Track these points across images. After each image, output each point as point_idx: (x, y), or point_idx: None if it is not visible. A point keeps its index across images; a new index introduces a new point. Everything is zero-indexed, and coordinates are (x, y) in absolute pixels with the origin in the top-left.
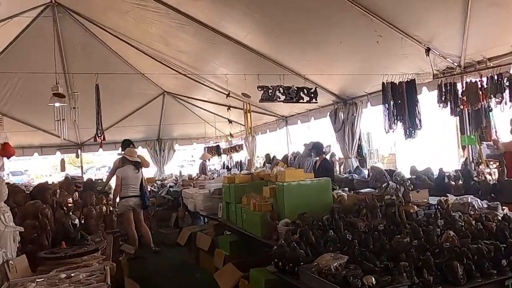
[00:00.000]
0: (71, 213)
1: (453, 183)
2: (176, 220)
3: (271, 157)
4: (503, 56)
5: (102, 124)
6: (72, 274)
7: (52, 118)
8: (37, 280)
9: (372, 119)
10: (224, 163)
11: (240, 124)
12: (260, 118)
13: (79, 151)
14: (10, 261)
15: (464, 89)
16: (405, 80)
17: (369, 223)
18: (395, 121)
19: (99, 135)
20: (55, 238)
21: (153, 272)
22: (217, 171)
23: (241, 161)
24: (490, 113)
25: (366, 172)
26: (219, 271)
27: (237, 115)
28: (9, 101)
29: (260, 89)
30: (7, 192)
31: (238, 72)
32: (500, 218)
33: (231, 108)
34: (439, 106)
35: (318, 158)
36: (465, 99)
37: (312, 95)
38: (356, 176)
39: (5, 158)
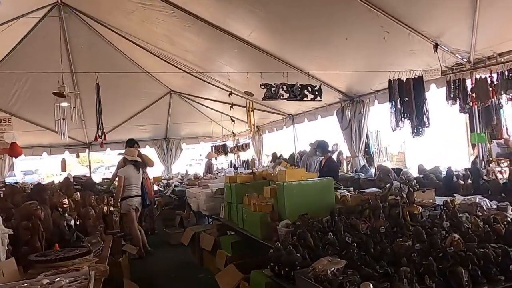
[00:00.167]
0: (66, 214)
1: (462, 182)
2: (181, 219)
3: (278, 156)
4: None
5: (103, 123)
6: (56, 280)
7: (71, 118)
8: (18, 286)
9: (380, 117)
10: (231, 162)
11: (246, 122)
12: (267, 117)
13: (87, 150)
14: None
15: (473, 85)
16: (413, 77)
17: (371, 224)
18: (402, 119)
19: (100, 134)
20: (51, 240)
21: (156, 273)
22: (224, 170)
23: (248, 160)
24: (501, 110)
25: (373, 171)
26: (221, 273)
27: (244, 113)
28: (18, 102)
29: (263, 87)
30: None
31: (244, 70)
32: (509, 219)
33: (237, 107)
34: (448, 103)
35: (323, 157)
36: (474, 96)
37: (317, 93)
38: (363, 175)
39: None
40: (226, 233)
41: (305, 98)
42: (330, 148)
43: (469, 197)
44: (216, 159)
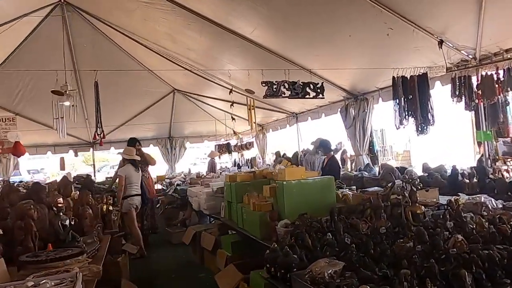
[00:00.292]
0: (61, 213)
1: (467, 181)
2: (184, 219)
3: (281, 154)
4: None
5: (107, 122)
6: (41, 282)
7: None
8: None
9: (384, 115)
10: (235, 160)
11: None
12: (271, 115)
13: (91, 149)
14: None
15: (479, 82)
16: (417, 74)
17: (372, 225)
18: (406, 116)
19: (99, 133)
20: (47, 240)
21: (157, 272)
22: (227, 168)
23: (251, 158)
24: (507, 107)
25: (377, 169)
26: (220, 273)
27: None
28: (22, 101)
29: (264, 84)
30: None
31: (246, 69)
32: None
33: (240, 105)
34: (453, 100)
35: (325, 156)
36: (480, 93)
37: (319, 91)
38: (366, 174)
39: (23, 157)
40: (227, 232)
41: (307, 96)
42: (334, 147)
43: (474, 196)
44: (219, 157)
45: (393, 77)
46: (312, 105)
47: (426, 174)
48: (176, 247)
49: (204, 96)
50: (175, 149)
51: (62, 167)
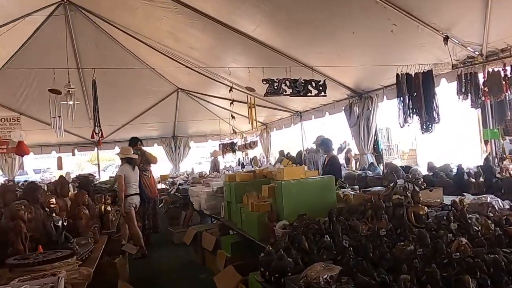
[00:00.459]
0: (54, 214)
1: (473, 180)
2: (186, 218)
3: (285, 153)
4: None
5: (110, 122)
6: (21, 287)
7: (68, 116)
8: None
9: (389, 113)
10: (239, 160)
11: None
12: (275, 114)
13: (95, 148)
14: None
15: (486, 79)
16: (422, 71)
17: (373, 226)
18: (411, 114)
19: (97, 132)
20: (39, 241)
21: (157, 272)
22: (232, 168)
23: (253, 157)
24: None
25: (381, 168)
26: (220, 274)
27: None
28: (26, 101)
29: (265, 82)
30: None
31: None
32: None
33: (243, 104)
34: (459, 98)
35: (326, 155)
36: (487, 90)
37: (321, 88)
38: (370, 173)
39: (28, 156)
40: (228, 233)
41: (309, 94)
42: (338, 146)
43: (479, 196)
44: (223, 157)
45: (397, 74)
46: (316, 104)
47: (431, 173)
48: (178, 247)
49: (207, 95)
50: (179, 148)
51: (60, 167)
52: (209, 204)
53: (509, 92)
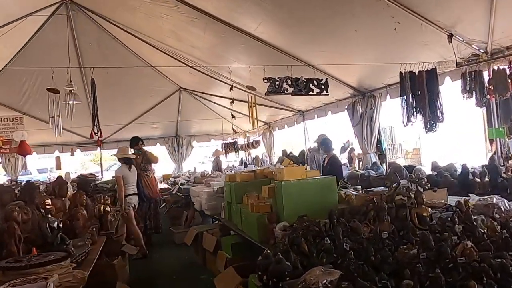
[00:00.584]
0: (50, 215)
1: (478, 180)
2: (187, 218)
3: (288, 153)
4: None
5: (113, 121)
6: None
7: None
8: None
9: (392, 112)
10: (242, 159)
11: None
12: (277, 114)
13: (98, 148)
14: None
15: (491, 77)
16: (425, 69)
17: (375, 228)
18: (415, 113)
19: (96, 131)
20: (35, 243)
21: (158, 273)
22: (234, 167)
23: (255, 157)
24: None
25: (385, 168)
26: (220, 275)
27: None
28: (29, 100)
29: (266, 81)
30: None
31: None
32: None
33: (245, 103)
34: (463, 96)
35: (326, 155)
36: (492, 88)
37: (323, 87)
38: (373, 172)
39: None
40: (229, 233)
41: (311, 93)
42: (341, 145)
43: (485, 197)
44: (226, 156)
45: (401, 73)
46: (318, 103)
47: (435, 173)
48: (179, 247)
49: (210, 94)
50: (182, 148)
51: (58, 167)
52: (209, 205)
53: None
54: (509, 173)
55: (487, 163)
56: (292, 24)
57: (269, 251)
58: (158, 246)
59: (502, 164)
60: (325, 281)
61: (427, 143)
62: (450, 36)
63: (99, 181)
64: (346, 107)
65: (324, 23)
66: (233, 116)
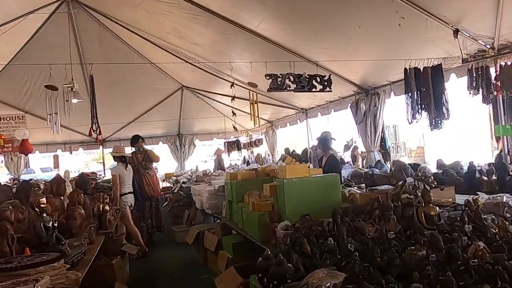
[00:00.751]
0: (44, 214)
1: (485, 178)
2: (189, 217)
3: (291, 151)
4: None
5: (116, 120)
6: None
7: (73, 114)
8: None
9: (396, 110)
10: (244, 157)
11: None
12: (280, 112)
13: (100, 146)
14: None
15: (498, 73)
16: (431, 66)
17: (380, 227)
18: (420, 110)
19: (95, 129)
20: (29, 243)
21: (159, 272)
22: (237, 166)
23: (257, 155)
24: None
25: (389, 166)
26: (221, 275)
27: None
28: (31, 99)
29: (268, 77)
30: None
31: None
32: None
33: (247, 101)
34: (470, 93)
35: (324, 155)
36: (499, 85)
37: (326, 83)
38: (377, 171)
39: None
40: (230, 232)
41: (314, 89)
42: (345, 143)
43: (494, 195)
44: (229, 155)
45: (405, 69)
46: (321, 100)
47: (441, 171)
48: (180, 246)
49: (212, 92)
50: (184, 146)
51: (56, 165)
52: (210, 203)
53: None
54: None
55: (493, 161)
56: (295, 20)
57: (270, 252)
58: (159, 245)
59: (510, 162)
60: (329, 284)
61: (431, 142)
62: (456, 32)
63: (101, 180)
64: (349, 104)
65: (327, 20)
66: (233, 113)
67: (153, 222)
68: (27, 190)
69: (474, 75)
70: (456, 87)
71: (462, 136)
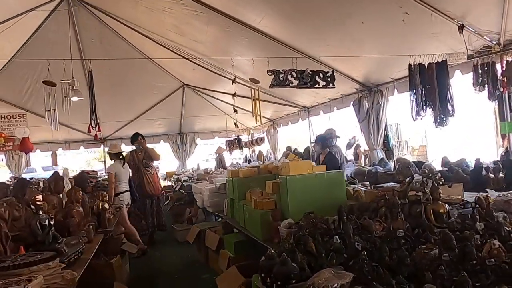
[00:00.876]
0: (40, 211)
1: (492, 176)
2: (190, 216)
3: (293, 149)
4: None
5: (118, 118)
6: None
7: (74, 113)
8: None
9: (399, 108)
10: (246, 156)
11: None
12: (282, 110)
13: (102, 145)
14: None
15: (504, 69)
16: (435, 62)
17: (387, 226)
18: (424, 107)
19: (94, 126)
20: (26, 240)
21: (159, 272)
22: (238, 164)
23: (258, 152)
24: None
25: (392, 164)
26: (222, 275)
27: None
28: (31, 97)
29: (270, 73)
30: None
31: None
32: None
33: (249, 99)
34: (475, 89)
35: (321, 152)
36: (505, 81)
37: (329, 79)
38: (381, 168)
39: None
40: (232, 231)
41: (317, 85)
42: (347, 141)
43: (504, 192)
44: (230, 154)
45: (410, 65)
46: (324, 98)
47: (446, 169)
48: (181, 245)
49: (213, 90)
50: (185, 145)
51: (55, 163)
52: (212, 201)
53: None
54: None
55: (498, 159)
56: (297, 17)
57: (273, 251)
58: (160, 244)
59: None
60: (336, 284)
61: (433, 140)
62: (461, 27)
63: (101, 178)
64: (352, 102)
65: (330, 16)
66: (235, 110)
67: (154, 221)
68: (24, 188)
69: (480, 71)
70: (459, 85)
71: (466, 134)
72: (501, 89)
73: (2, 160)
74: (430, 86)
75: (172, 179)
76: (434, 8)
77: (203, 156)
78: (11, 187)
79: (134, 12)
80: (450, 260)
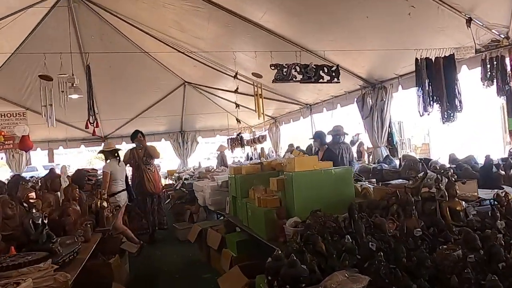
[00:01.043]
0: (34, 210)
1: (502, 172)
2: (191, 214)
3: (295, 147)
4: None
5: (118, 116)
6: None
7: (74, 111)
8: None
9: (403, 105)
10: (247, 154)
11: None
12: (284, 108)
13: (102, 144)
14: None
15: None
16: (443, 56)
17: (401, 224)
18: (431, 102)
19: (92, 121)
20: (19, 240)
21: (160, 271)
22: (240, 162)
23: (260, 149)
24: None
25: (397, 162)
26: (224, 275)
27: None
28: (31, 96)
29: (273, 67)
30: None
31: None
32: None
33: (251, 97)
34: (484, 84)
35: (319, 148)
36: None
37: (334, 74)
38: (386, 166)
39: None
40: (234, 230)
41: (321, 80)
42: (350, 139)
43: None
44: (232, 152)
45: (416, 59)
46: (326, 95)
47: (454, 166)
48: (183, 244)
49: (215, 88)
50: (187, 143)
51: (51, 159)
52: (213, 199)
53: None
54: None
55: (506, 155)
56: (299, 12)
57: (280, 252)
58: (161, 243)
59: None
60: None
61: (436, 138)
62: (469, 21)
63: (101, 176)
64: (355, 99)
65: (333, 10)
66: (237, 106)
67: (155, 220)
68: (18, 185)
69: (489, 65)
70: (466, 80)
71: (471, 131)
72: (511, 84)
73: (2, 159)
74: (437, 81)
75: (173, 177)
76: (441, 1)
77: (204, 154)
78: (7, 185)
79: (135, 8)
80: (475, 262)
